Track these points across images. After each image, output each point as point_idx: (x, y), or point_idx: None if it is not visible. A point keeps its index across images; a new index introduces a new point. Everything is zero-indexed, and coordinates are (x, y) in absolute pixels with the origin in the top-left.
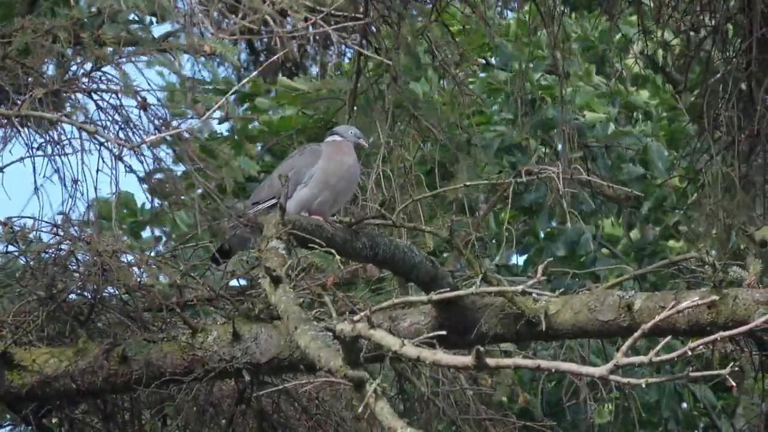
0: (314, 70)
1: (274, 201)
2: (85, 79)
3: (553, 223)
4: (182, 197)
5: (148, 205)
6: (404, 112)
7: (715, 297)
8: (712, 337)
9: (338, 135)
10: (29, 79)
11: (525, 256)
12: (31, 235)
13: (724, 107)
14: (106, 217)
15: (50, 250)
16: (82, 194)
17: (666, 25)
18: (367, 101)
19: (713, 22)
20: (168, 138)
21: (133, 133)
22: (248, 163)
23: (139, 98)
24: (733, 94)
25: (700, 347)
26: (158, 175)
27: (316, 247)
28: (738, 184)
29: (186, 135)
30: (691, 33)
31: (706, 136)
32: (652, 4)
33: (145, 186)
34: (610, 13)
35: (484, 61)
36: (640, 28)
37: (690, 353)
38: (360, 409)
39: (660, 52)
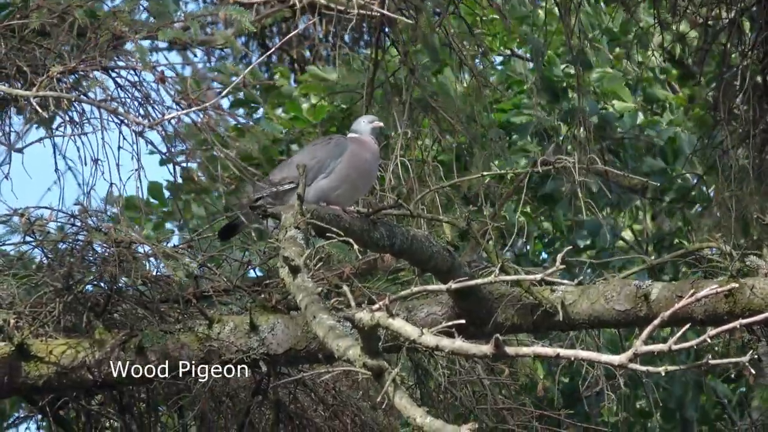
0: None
1: (292, 185)
2: (102, 57)
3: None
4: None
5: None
6: (422, 103)
7: (734, 285)
8: (731, 325)
9: (355, 132)
10: (46, 59)
11: (546, 249)
12: (49, 225)
13: (740, 100)
14: (131, 207)
15: (67, 241)
16: (103, 173)
17: (682, 18)
18: (384, 93)
19: (730, 15)
20: (188, 112)
21: (153, 108)
22: (272, 125)
23: (156, 72)
24: (748, 87)
25: (718, 335)
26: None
27: (334, 236)
28: (752, 175)
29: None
30: (707, 26)
31: (721, 129)
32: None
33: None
34: (627, 5)
35: (509, 52)
36: (657, 21)
37: (709, 341)
38: (379, 399)
39: (677, 45)
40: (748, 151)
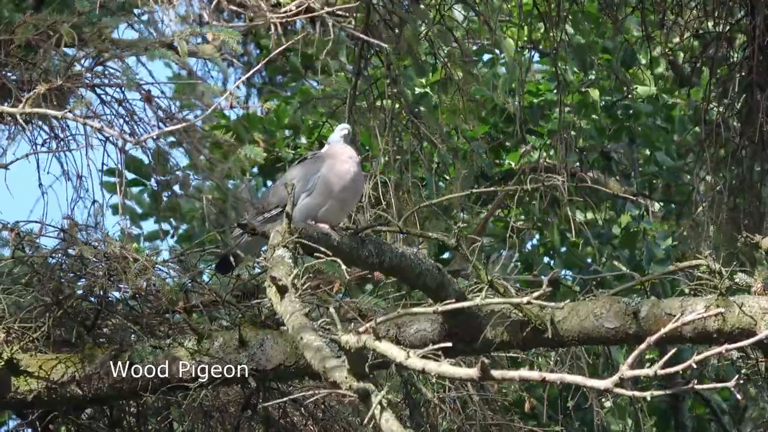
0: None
1: (278, 210)
2: (88, 74)
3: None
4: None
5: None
6: (403, 116)
7: (721, 309)
8: (719, 349)
9: (330, 142)
10: (32, 75)
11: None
12: (38, 240)
13: (727, 114)
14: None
15: (57, 255)
16: (87, 190)
17: (670, 31)
18: (366, 103)
19: (718, 28)
20: (173, 130)
21: (138, 126)
22: (254, 150)
23: (143, 91)
24: (735, 101)
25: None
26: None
27: (322, 255)
28: (725, 194)
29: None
30: (698, 36)
31: (707, 143)
32: (656, 10)
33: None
34: (614, 18)
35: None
36: (644, 33)
37: (695, 366)
38: (365, 421)
39: (669, 55)
40: (727, 169)
